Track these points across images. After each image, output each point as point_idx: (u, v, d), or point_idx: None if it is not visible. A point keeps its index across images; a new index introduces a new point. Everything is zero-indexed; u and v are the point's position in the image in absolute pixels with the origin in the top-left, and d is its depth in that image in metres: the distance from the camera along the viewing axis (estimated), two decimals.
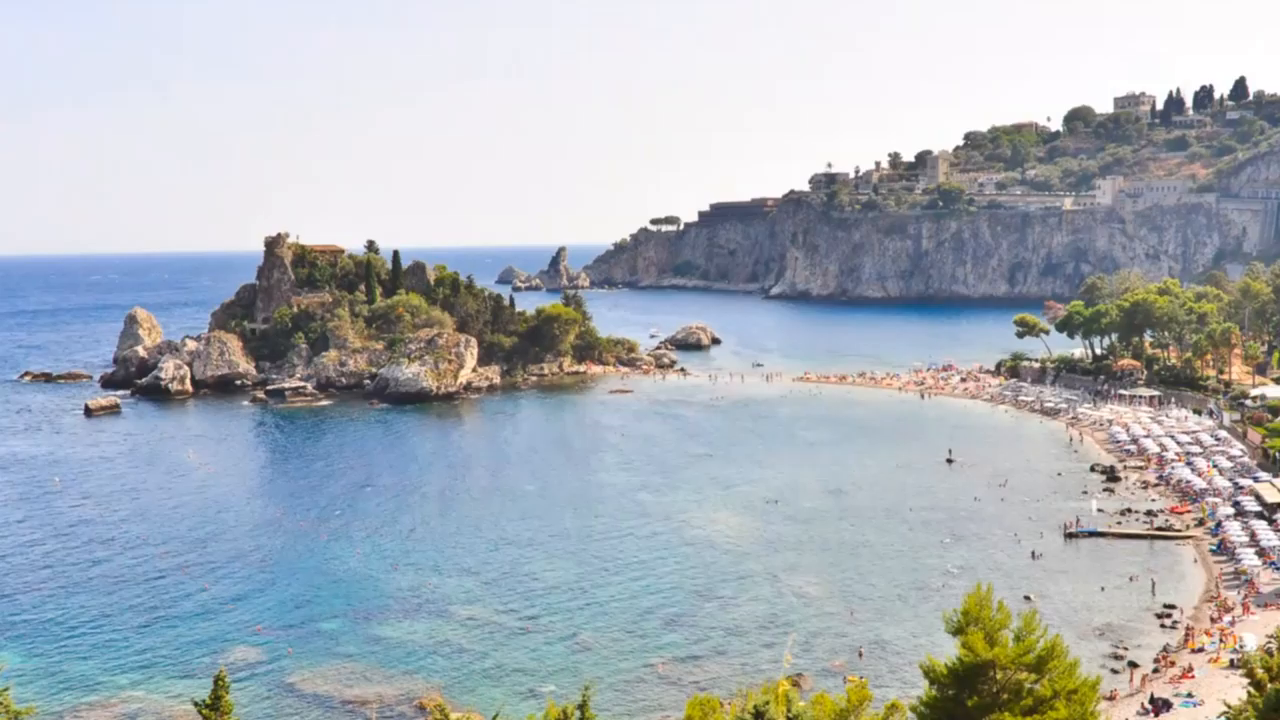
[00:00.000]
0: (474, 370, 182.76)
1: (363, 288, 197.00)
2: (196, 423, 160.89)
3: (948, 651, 40.15)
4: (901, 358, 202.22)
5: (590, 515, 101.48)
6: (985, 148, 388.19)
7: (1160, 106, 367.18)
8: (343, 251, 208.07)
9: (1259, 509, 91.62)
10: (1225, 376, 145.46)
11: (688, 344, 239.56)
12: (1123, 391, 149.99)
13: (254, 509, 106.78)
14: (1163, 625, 71.02)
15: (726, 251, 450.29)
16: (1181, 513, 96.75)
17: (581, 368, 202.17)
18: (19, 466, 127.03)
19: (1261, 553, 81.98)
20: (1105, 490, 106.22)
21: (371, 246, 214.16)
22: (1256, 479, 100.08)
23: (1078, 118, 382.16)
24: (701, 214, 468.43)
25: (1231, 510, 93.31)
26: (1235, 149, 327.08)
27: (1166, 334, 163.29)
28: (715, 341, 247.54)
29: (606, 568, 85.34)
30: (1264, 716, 31.84)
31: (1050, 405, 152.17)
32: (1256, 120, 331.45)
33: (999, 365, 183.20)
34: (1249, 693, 33.56)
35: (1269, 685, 32.34)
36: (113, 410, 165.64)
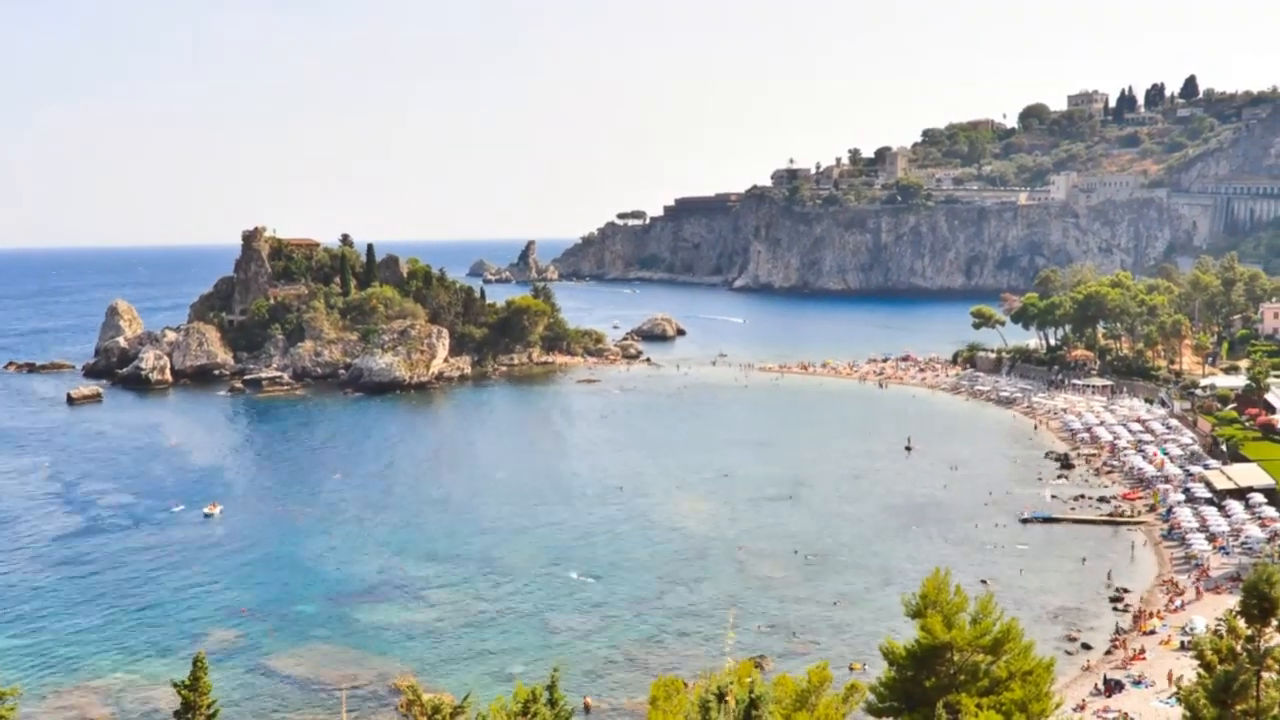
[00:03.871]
0: (446, 360, 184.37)
1: (338, 280, 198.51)
2: (176, 411, 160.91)
3: (907, 634, 41.58)
4: (861, 348, 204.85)
5: (558, 501, 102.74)
6: (943, 144, 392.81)
7: (1113, 104, 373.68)
8: (318, 245, 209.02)
9: (1209, 495, 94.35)
10: (1176, 366, 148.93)
11: (653, 335, 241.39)
12: (1076, 381, 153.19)
13: (232, 495, 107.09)
14: (1115, 608, 73.17)
15: (691, 245, 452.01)
16: (1133, 499, 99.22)
17: (550, 358, 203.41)
18: (2, 454, 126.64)
19: (1211, 538, 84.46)
20: (1059, 477, 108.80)
21: (346, 240, 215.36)
22: (1206, 466, 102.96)
23: (1033, 115, 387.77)
24: (667, 209, 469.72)
25: (1182, 496, 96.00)
26: (1185, 145, 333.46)
27: (1119, 325, 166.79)
28: (680, 333, 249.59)
29: (574, 552, 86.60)
30: (1214, 697, 33.43)
31: (1006, 395, 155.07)
32: (1206, 118, 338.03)
33: (956, 356, 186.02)
34: (1199, 674, 35.13)
35: (1218, 667, 33.94)
36: (94, 399, 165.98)
